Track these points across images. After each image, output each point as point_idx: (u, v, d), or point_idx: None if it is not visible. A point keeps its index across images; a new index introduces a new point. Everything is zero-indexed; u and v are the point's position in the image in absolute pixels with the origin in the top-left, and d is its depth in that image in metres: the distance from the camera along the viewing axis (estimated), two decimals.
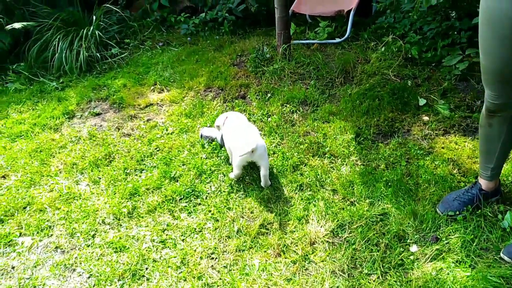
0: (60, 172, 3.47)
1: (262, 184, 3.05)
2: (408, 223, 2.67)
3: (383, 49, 4.77)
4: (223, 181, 3.18)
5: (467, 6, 4.56)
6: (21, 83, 5.09)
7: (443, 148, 3.31)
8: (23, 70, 5.24)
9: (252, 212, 2.89)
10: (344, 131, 3.58)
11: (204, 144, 3.61)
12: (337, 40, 5.18)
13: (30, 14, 5.61)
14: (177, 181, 3.25)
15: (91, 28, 5.34)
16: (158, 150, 3.63)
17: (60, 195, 3.19)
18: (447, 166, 3.10)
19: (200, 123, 3.95)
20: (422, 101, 3.76)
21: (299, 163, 3.28)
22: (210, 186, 3.15)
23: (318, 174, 3.14)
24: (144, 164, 3.48)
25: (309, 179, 3.10)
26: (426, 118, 3.59)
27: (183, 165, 3.41)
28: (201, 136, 3.68)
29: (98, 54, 5.29)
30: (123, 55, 5.53)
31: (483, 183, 2.67)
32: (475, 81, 4.06)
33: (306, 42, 5.20)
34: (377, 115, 3.70)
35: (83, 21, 5.58)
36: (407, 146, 3.34)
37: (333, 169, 3.21)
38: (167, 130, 3.91)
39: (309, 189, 3.03)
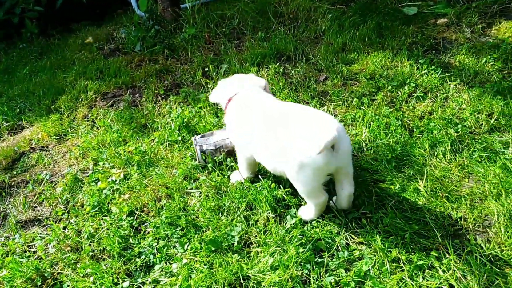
0: None
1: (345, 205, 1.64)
2: None
3: None
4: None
5: None
6: None
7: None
8: None
9: None
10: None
11: (211, 162, 1.89)
12: None
13: None
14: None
15: None
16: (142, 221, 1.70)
17: None
18: None
19: (160, 137, 2.12)
20: (411, 10, 2.99)
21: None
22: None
23: None
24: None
25: None
26: (443, 20, 2.83)
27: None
28: (204, 151, 1.91)
29: None
30: None
31: None
32: None
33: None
34: (399, 33, 2.73)
35: None
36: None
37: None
38: (109, 177, 1.93)
39: None
